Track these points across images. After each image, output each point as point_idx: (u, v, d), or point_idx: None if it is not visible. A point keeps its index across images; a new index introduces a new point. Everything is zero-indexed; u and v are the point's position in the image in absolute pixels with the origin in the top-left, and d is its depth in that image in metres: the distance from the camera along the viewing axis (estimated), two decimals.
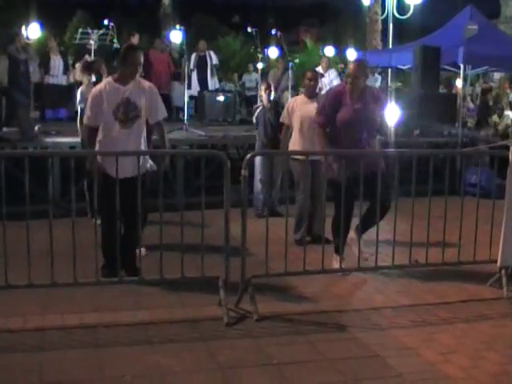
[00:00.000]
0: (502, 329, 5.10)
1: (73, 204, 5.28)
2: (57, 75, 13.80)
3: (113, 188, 5.29)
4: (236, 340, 4.78)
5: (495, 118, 14.94)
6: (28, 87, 11.38)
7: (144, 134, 5.98)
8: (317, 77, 7.84)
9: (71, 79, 14.18)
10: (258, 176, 9.15)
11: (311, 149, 7.10)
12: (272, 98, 9.44)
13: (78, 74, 9.62)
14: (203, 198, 5.50)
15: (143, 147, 5.97)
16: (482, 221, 6.08)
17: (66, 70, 14.14)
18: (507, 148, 5.93)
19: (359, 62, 6.60)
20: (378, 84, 15.32)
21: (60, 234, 5.16)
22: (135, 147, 5.84)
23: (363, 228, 6.19)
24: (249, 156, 5.39)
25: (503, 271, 5.90)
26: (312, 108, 7.13)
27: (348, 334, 4.93)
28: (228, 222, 5.32)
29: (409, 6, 15.22)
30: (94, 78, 8.27)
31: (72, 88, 14.22)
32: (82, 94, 8.25)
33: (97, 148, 5.87)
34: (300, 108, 7.57)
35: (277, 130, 8.69)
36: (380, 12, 18.03)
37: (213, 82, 14.52)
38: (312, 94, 7.62)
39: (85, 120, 5.98)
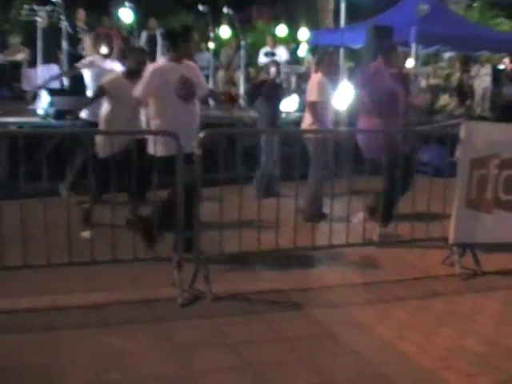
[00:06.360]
0: (454, 305, 5.18)
1: (20, 185, 5.12)
2: None
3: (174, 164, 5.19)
4: (191, 320, 4.74)
5: (445, 98, 15.07)
6: None
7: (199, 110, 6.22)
8: (334, 60, 8.33)
9: (19, 57, 13.83)
10: (266, 156, 9.00)
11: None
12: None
13: (88, 48, 9.38)
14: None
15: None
16: (434, 199, 6.13)
17: (2, 49, 13.79)
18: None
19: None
20: None
21: (8, 215, 5.00)
22: (197, 122, 6.05)
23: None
24: (203, 134, 5.31)
25: (455, 248, 5.98)
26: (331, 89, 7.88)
27: (303, 313, 4.94)
28: (176, 198, 5.23)
29: None
30: (104, 51, 8.18)
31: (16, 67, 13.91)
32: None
33: (157, 124, 5.96)
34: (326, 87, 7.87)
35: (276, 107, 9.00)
36: None
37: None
38: (330, 76, 8.04)
39: (137, 93, 6.00)
